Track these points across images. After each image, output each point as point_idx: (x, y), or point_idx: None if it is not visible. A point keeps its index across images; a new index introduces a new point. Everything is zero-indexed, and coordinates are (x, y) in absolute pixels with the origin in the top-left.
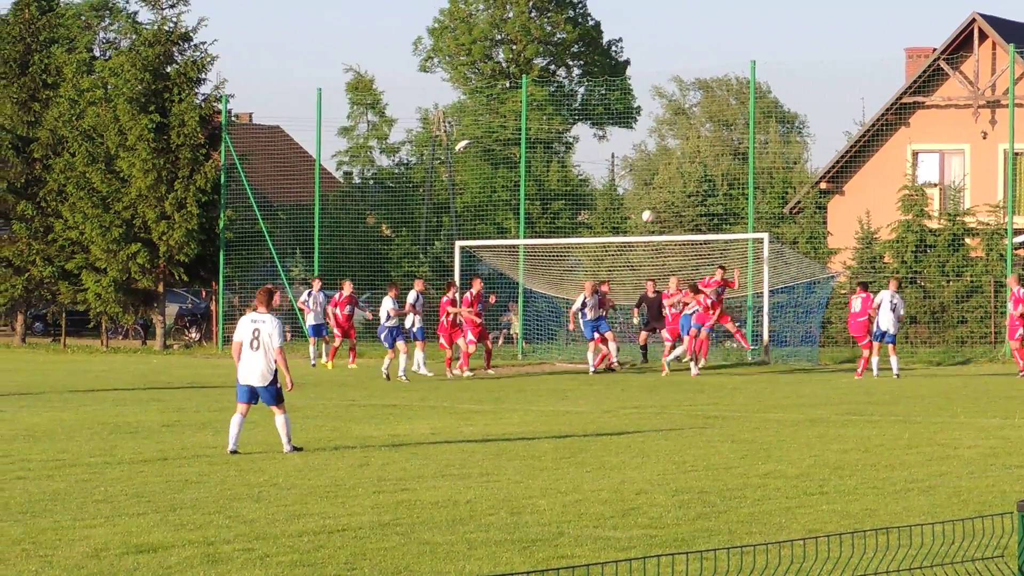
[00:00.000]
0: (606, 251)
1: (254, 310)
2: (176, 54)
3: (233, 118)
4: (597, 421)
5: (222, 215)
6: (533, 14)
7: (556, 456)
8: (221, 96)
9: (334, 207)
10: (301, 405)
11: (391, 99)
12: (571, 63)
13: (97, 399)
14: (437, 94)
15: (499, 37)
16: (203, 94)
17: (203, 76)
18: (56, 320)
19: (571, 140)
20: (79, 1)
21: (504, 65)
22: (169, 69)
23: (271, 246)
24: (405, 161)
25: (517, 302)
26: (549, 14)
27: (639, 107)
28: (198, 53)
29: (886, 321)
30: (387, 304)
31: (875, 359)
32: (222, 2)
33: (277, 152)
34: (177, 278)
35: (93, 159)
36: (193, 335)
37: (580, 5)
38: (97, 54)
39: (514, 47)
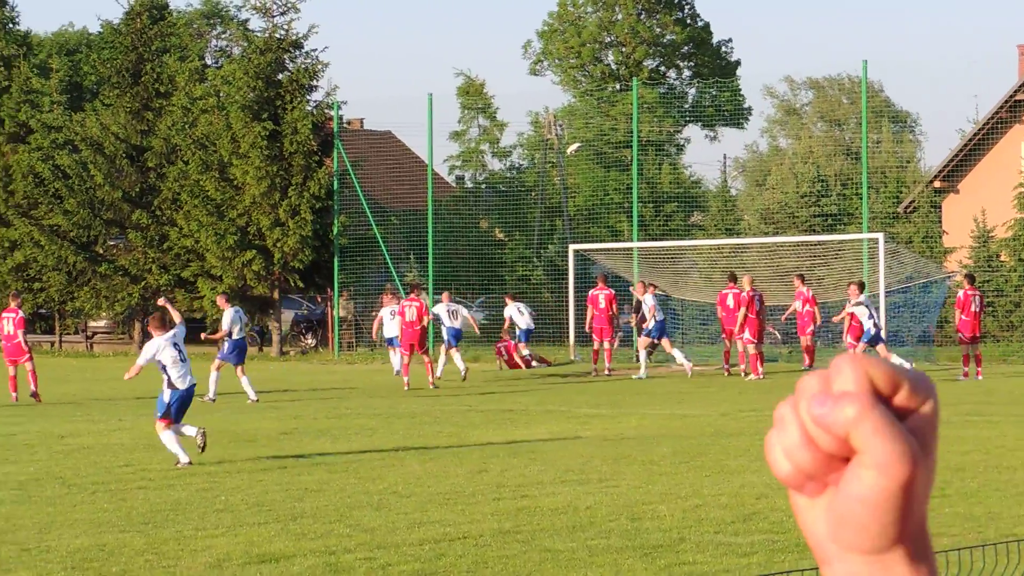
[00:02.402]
0: (720, 252)
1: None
2: (288, 61)
3: (345, 124)
4: (715, 424)
5: (335, 221)
6: (642, 16)
7: (675, 460)
8: (333, 103)
9: (447, 211)
10: (419, 411)
11: (502, 103)
12: (681, 64)
13: (215, 407)
14: (548, 97)
15: (608, 39)
16: (315, 101)
17: (315, 83)
18: None
19: (683, 141)
20: (190, 9)
21: (614, 67)
22: (281, 76)
23: (385, 251)
24: (517, 165)
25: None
26: (658, 16)
27: (750, 107)
28: (309, 60)
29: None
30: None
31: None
32: (332, 9)
33: (389, 157)
34: (292, 285)
35: (207, 167)
36: (309, 341)
37: (689, 6)
38: (209, 62)
39: (623, 49)
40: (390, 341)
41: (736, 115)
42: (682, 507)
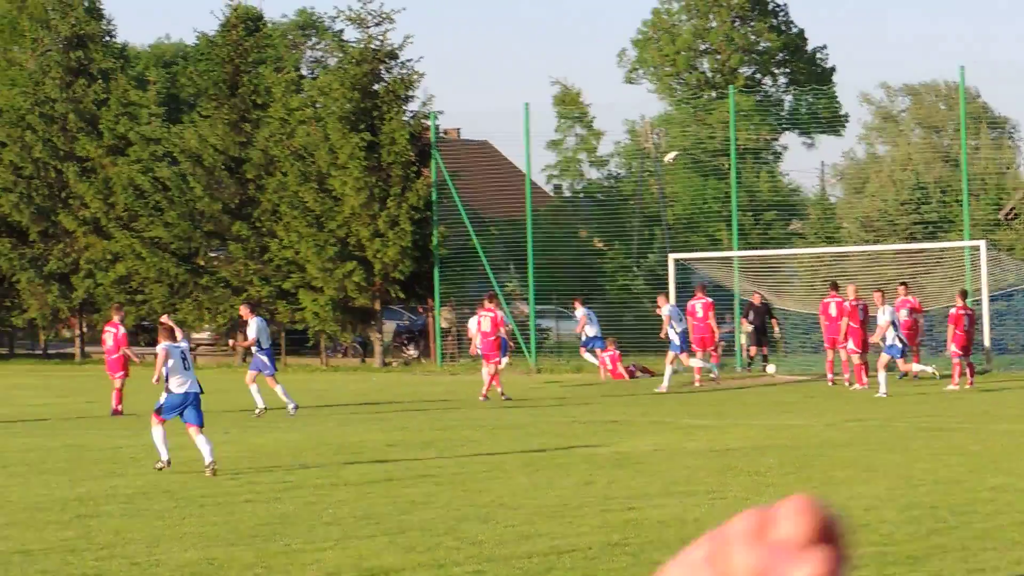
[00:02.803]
0: (820, 261)
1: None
2: (383, 72)
3: (442, 135)
4: (821, 435)
5: (435, 232)
6: (736, 23)
7: (781, 471)
8: (430, 113)
9: (546, 221)
10: (524, 422)
11: (598, 112)
12: (776, 71)
13: (319, 418)
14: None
15: (703, 47)
16: (412, 111)
17: (411, 93)
18: (275, 339)
19: (780, 149)
20: (285, 21)
21: (709, 75)
22: (377, 87)
23: (485, 261)
24: (615, 173)
25: (734, 313)
26: (752, 23)
27: (847, 114)
28: (405, 70)
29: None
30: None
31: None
32: (427, 19)
33: (487, 167)
34: (393, 295)
35: (305, 178)
36: (412, 352)
37: (783, 13)
38: (305, 73)
39: (718, 57)
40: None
41: (833, 122)
42: None
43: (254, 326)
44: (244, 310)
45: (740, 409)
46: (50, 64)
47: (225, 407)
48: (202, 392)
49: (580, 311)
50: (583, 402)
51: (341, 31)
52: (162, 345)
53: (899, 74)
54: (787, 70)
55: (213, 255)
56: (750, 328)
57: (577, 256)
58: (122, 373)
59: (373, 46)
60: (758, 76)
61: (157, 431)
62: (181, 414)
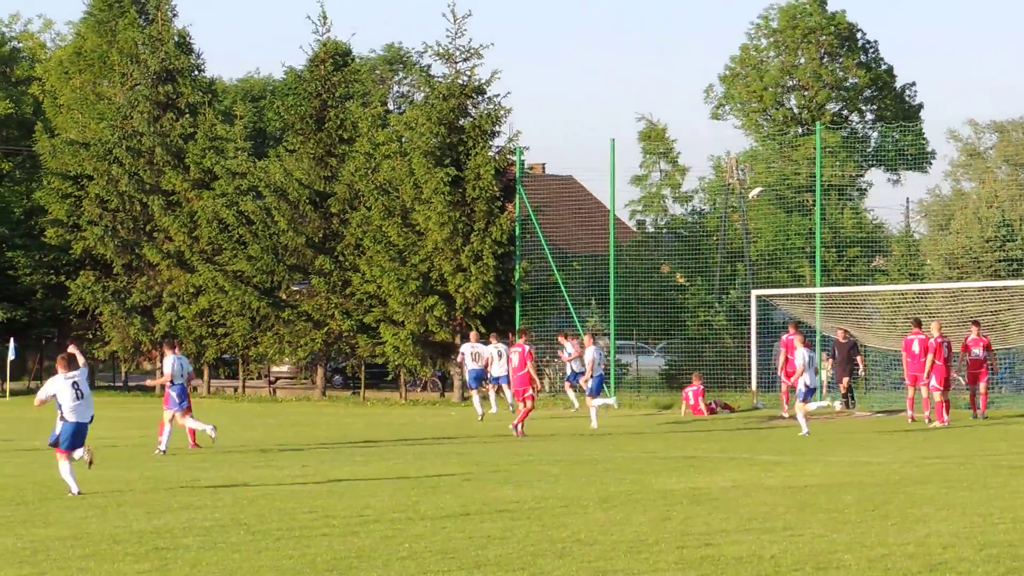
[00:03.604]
0: (903, 298)
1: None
2: (470, 107)
3: (527, 169)
4: (899, 472)
5: (517, 266)
6: (825, 59)
7: (859, 509)
8: (515, 148)
9: (628, 256)
10: (601, 457)
11: (683, 147)
12: (864, 108)
13: (397, 452)
14: (729, 141)
15: (791, 83)
16: (497, 146)
17: (497, 128)
18: (355, 373)
19: (865, 185)
20: (373, 56)
21: (796, 111)
22: (464, 122)
23: (567, 296)
24: (698, 209)
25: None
26: (841, 59)
27: (933, 151)
28: (492, 106)
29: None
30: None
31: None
32: (514, 54)
33: (571, 202)
34: (474, 330)
35: (389, 213)
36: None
37: (873, 50)
38: (391, 108)
39: (806, 93)
40: (495, 380)
41: (919, 158)
42: (868, 556)
43: (167, 363)
44: (165, 346)
45: (818, 445)
46: (138, 98)
47: (304, 440)
48: (92, 420)
49: (569, 345)
50: (661, 437)
51: (428, 66)
52: (53, 380)
53: (987, 111)
54: (874, 106)
55: (295, 289)
56: (831, 365)
57: (659, 292)
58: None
59: (460, 81)
60: (845, 112)
61: (63, 465)
62: (78, 435)
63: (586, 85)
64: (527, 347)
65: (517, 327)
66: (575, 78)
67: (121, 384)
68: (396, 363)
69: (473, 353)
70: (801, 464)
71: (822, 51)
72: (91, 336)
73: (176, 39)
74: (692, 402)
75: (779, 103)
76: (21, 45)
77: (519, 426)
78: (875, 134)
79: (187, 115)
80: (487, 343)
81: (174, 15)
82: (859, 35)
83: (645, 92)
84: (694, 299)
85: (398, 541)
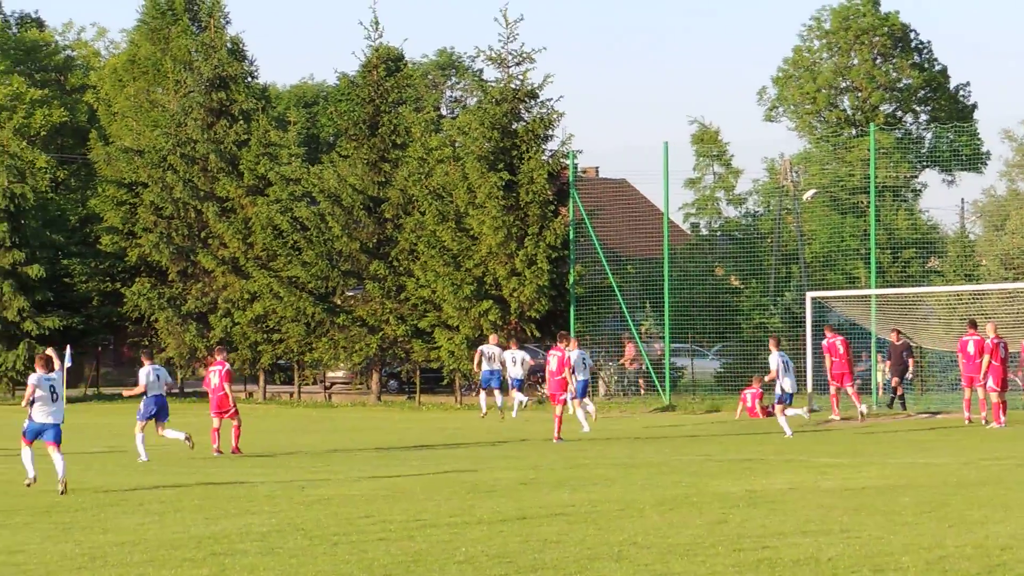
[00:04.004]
0: (959, 299)
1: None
2: (523, 111)
3: (580, 173)
4: (957, 473)
5: (571, 270)
6: (878, 61)
7: (917, 510)
8: (569, 152)
9: (683, 259)
10: (657, 460)
11: (736, 149)
12: (918, 108)
13: (453, 457)
14: (783, 144)
15: (844, 85)
16: (550, 150)
17: (550, 132)
18: (410, 378)
19: (919, 186)
20: (425, 61)
21: (850, 113)
22: (517, 126)
23: (621, 300)
24: (752, 211)
25: (871, 351)
26: (894, 60)
27: (988, 151)
28: (545, 110)
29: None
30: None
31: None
32: (567, 58)
33: (624, 206)
34: (528, 334)
35: (443, 217)
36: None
37: (927, 50)
38: (444, 113)
39: (859, 94)
40: (515, 383)
41: (974, 159)
42: (925, 558)
43: (142, 374)
44: (144, 356)
45: (875, 447)
46: (192, 105)
47: (359, 445)
48: (62, 422)
49: (515, 352)
50: (716, 440)
51: (481, 71)
52: (34, 376)
53: None
54: (928, 107)
55: (350, 294)
56: (887, 367)
57: (713, 294)
58: (232, 412)
59: (513, 85)
60: (899, 113)
61: (25, 452)
62: (40, 435)
63: (639, 88)
64: (567, 352)
65: (572, 331)
66: (627, 82)
67: (178, 391)
68: (451, 368)
69: (488, 355)
70: (858, 466)
71: (875, 52)
72: (147, 343)
73: (229, 46)
74: (749, 404)
75: (832, 104)
76: (75, 54)
77: (557, 433)
78: (929, 135)
79: (240, 121)
80: (506, 348)
81: (227, 22)
82: (912, 35)
83: (698, 95)
84: (749, 301)
85: (455, 545)
